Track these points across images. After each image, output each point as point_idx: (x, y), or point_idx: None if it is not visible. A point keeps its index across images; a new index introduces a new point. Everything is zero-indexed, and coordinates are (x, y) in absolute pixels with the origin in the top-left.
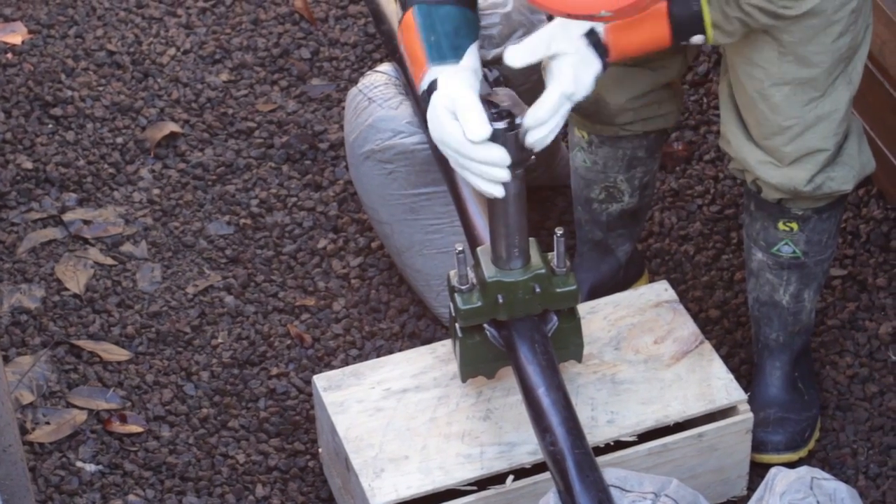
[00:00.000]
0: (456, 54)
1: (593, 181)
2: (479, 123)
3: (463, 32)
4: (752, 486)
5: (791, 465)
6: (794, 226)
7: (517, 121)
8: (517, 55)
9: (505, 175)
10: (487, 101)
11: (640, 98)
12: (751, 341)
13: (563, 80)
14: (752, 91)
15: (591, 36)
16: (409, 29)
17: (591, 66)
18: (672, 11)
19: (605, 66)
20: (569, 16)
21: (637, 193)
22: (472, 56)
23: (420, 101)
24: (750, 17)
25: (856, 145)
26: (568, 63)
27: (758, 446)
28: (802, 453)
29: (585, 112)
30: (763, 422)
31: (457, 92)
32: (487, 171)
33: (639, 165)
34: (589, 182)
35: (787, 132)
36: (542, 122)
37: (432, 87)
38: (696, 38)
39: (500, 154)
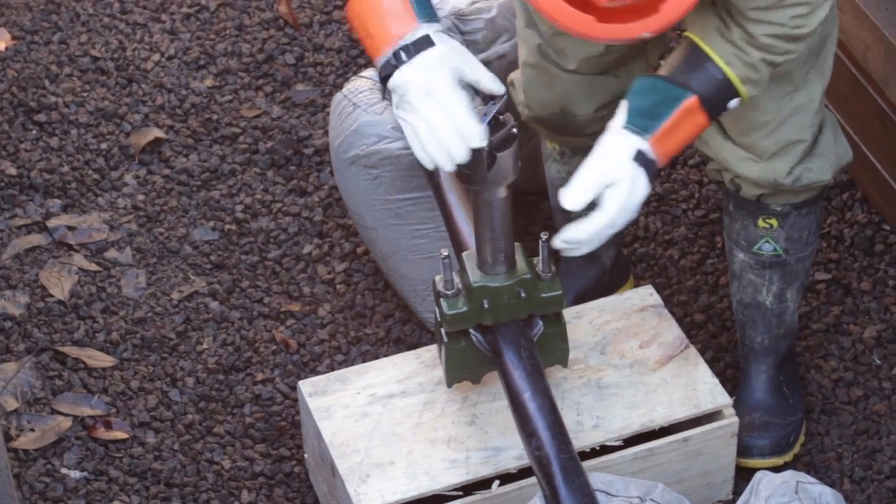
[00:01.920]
0: (437, 18)
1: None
2: (495, 80)
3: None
4: (737, 491)
5: (776, 469)
6: (774, 222)
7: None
8: (574, 198)
9: (460, 156)
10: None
11: (607, 106)
12: (736, 345)
13: (609, 211)
14: None
15: (640, 157)
16: None
17: (640, 191)
18: (702, 99)
19: (656, 172)
20: (612, 41)
21: None
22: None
23: (391, 56)
24: (772, 51)
25: (831, 136)
26: (619, 192)
27: (743, 450)
28: (788, 458)
29: (555, 126)
30: (748, 426)
31: (464, 53)
32: (455, 142)
33: None
34: None
35: (765, 127)
36: (578, 243)
37: (422, 43)
38: (734, 103)
39: (476, 128)
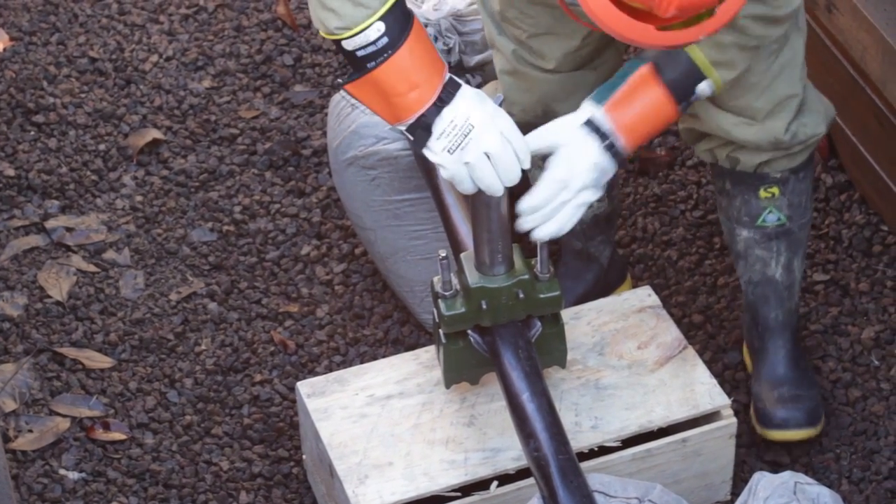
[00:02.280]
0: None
1: None
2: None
3: None
4: (735, 491)
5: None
6: (775, 190)
7: None
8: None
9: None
10: None
11: None
12: (736, 343)
13: (553, 170)
14: None
15: (590, 123)
16: (419, 32)
17: (586, 151)
18: (662, 74)
19: (612, 147)
20: (672, 48)
21: (604, 198)
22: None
23: (437, 99)
24: (744, 33)
25: (814, 92)
26: (562, 153)
27: (780, 424)
28: (819, 428)
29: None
30: (779, 400)
31: (514, 129)
32: (516, 168)
33: None
34: None
35: (756, 87)
36: (536, 208)
37: (452, 85)
38: (704, 86)
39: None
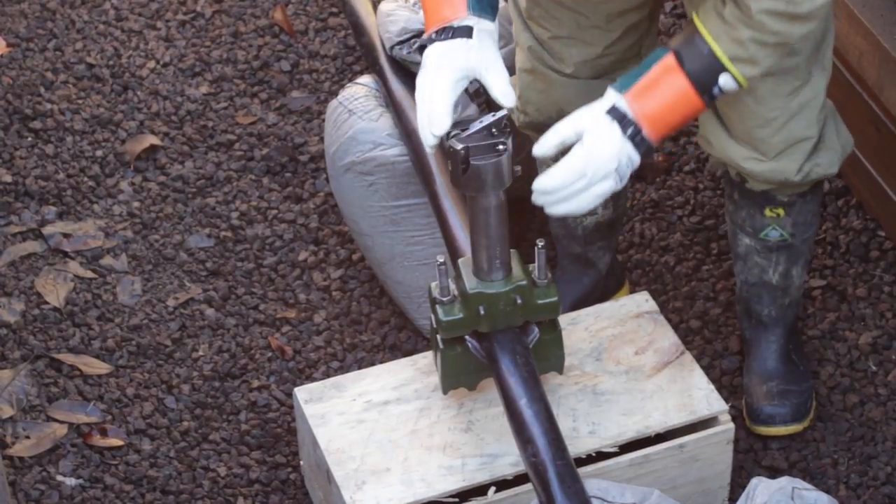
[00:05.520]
0: (492, 16)
1: None
2: (508, 93)
3: (496, 2)
4: (733, 497)
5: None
6: (781, 211)
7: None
8: (542, 142)
9: (430, 137)
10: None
11: None
12: (728, 351)
13: (573, 156)
14: None
15: (614, 111)
16: None
17: (608, 139)
18: (683, 64)
19: (636, 135)
20: None
21: (610, 204)
22: (497, 24)
23: (433, 32)
24: (763, 29)
25: (833, 128)
26: (585, 140)
27: (766, 420)
28: (806, 423)
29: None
30: (766, 395)
31: (491, 58)
32: (425, 123)
33: None
34: None
35: (772, 123)
36: (549, 191)
37: (463, 31)
38: (725, 81)
39: (441, 110)
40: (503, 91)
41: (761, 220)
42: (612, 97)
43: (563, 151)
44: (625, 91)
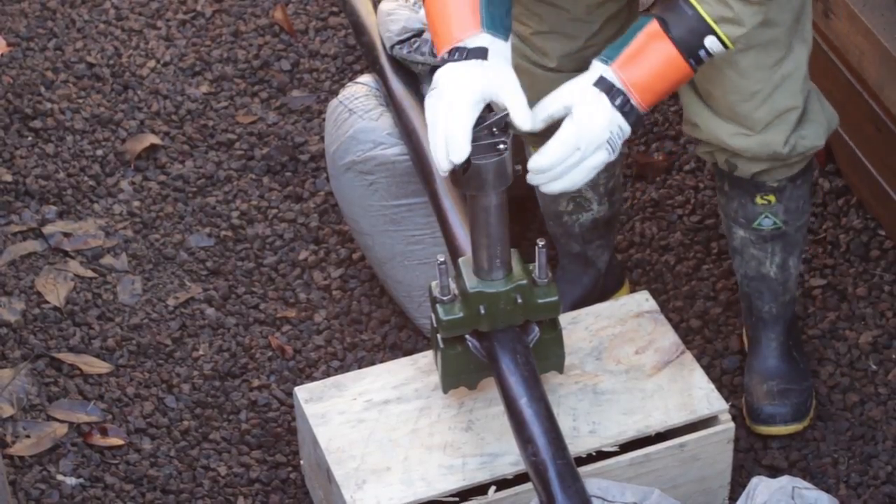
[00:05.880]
0: (506, 35)
1: (559, 195)
2: (527, 118)
3: (509, 22)
4: (733, 496)
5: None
6: (772, 198)
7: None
8: (534, 118)
9: (445, 163)
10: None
11: None
12: (729, 349)
13: (565, 130)
14: (718, 61)
15: (601, 82)
16: None
17: (598, 110)
18: (669, 30)
19: (625, 105)
20: None
21: (605, 200)
22: (511, 43)
23: (446, 53)
24: None
25: (818, 102)
26: (575, 113)
27: (766, 419)
28: (806, 423)
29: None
30: (767, 395)
31: (509, 82)
32: (441, 152)
33: (600, 172)
34: (555, 196)
35: (756, 96)
36: (545, 169)
37: (477, 52)
38: (711, 43)
39: (460, 137)
40: (522, 116)
41: (753, 208)
42: (598, 69)
43: (551, 131)
44: (610, 62)
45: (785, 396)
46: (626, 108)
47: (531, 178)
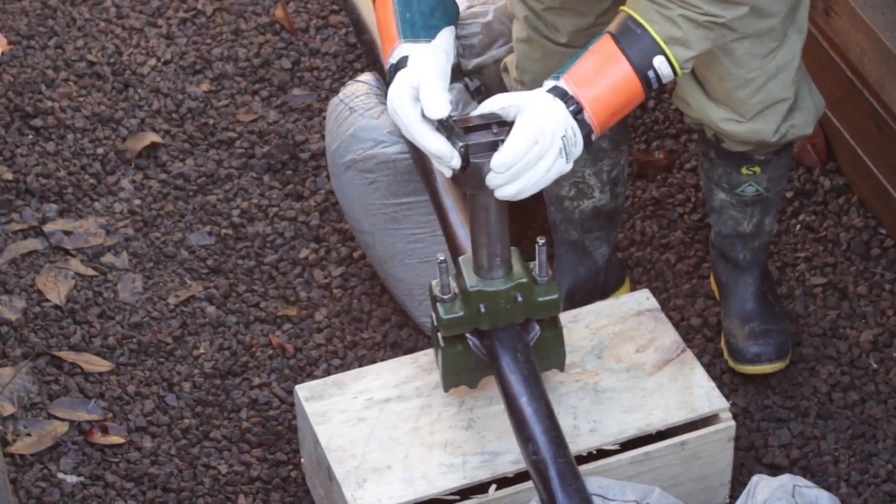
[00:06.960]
0: (429, 34)
1: (562, 178)
2: (438, 102)
3: (439, 14)
4: (734, 495)
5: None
6: (757, 169)
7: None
8: (486, 104)
9: (447, 171)
10: (465, 124)
11: None
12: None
13: (520, 127)
14: (714, 48)
15: (555, 90)
16: (384, 2)
17: (553, 110)
18: (621, 45)
19: (580, 114)
20: None
21: (608, 190)
22: (445, 37)
23: (386, 74)
24: (690, 7)
25: (807, 89)
26: (527, 112)
27: (752, 359)
28: (787, 362)
29: None
30: (749, 335)
31: (424, 71)
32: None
33: (604, 158)
34: (558, 180)
35: (751, 84)
36: (507, 165)
37: (401, 63)
38: (660, 63)
39: (442, 149)
40: (431, 103)
41: (738, 177)
42: (549, 83)
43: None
44: (561, 75)
45: (768, 336)
46: (578, 116)
47: (490, 180)
